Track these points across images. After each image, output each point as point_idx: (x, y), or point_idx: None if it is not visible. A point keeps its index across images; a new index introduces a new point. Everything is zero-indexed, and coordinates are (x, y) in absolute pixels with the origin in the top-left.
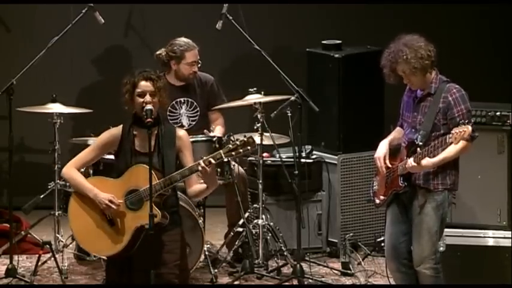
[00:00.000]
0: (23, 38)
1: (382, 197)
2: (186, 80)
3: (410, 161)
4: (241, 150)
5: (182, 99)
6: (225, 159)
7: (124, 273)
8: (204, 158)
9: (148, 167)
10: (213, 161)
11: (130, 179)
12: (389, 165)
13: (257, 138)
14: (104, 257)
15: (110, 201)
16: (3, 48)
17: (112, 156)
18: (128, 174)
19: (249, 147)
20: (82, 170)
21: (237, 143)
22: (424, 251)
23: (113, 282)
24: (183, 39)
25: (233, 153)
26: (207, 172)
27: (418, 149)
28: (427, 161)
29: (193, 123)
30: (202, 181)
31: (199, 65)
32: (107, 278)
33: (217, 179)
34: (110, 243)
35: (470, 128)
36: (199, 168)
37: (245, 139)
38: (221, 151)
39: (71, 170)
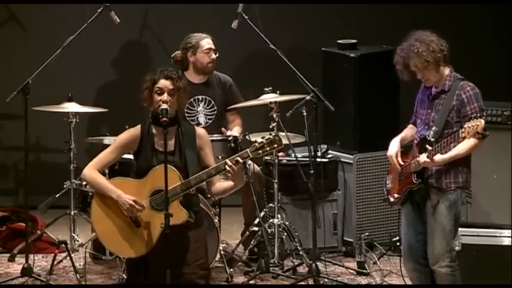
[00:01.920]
0: (38, 37)
1: (396, 195)
2: (205, 71)
3: (423, 157)
4: (267, 149)
5: (200, 97)
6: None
7: (147, 273)
8: (231, 157)
9: (172, 167)
10: (240, 160)
11: (155, 180)
12: (402, 163)
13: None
14: (131, 257)
15: (134, 202)
16: (18, 47)
17: (128, 156)
18: (152, 174)
19: (275, 145)
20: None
21: (264, 141)
22: (439, 250)
23: (135, 282)
24: (194, 33)
25: (260, 151)
26: (234, 171)
27: (429, 146)
28: (439, 157)
29: (210, 121)
30: (224, 179)
31: (216, 55)
32: (128, 277)
33: (244, 177)
34: (137, 244)
35: (483, 122)
36: (226, 167)
37: (271, 137)
38: (248, 150)
39: (92, 172)
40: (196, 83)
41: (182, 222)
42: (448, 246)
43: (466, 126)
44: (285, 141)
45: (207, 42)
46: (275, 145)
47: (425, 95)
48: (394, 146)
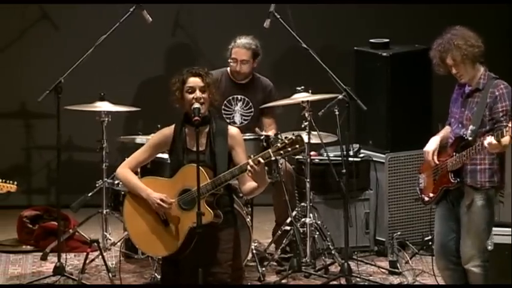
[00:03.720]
0: (71, 36)
1: (431, 195)
2: (234, 77)
3: (490, 139)
4: (289, 149)
5: (239, 97)
6: (273, 158)
7: (180, 273)
8: (253, 157)
9: (199, 166)
10: (261, 160)
11: (183, 179)
12: (437, 162)
13: (305, 137)
14: (159, 257)
15: (162, 200)
16: (51, 47)
17: (161, 155)
18: (180, 173)
19: (297, 146)
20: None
21: (286, 141)
22: (472, 249)
23: (169, 282)
24: (241, 36)
25: (282, 152)
26: (256, 171)
27: (497, 131)
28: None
29: (245, 122)
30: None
31: (246, 66)
32: (162, 277)
33: (267, 178)
34: (165, 244)
35: None
36: (248, 167)
37: (293, 137)
38: (270, 150)
39: (125, 171)
40: (237, 82)
41: (207, 222)
42: (481, 246)
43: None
44: (317, 141)
45: (234, 52)
46: (297, 145)
47: (459, 93)
48: (433, 143)
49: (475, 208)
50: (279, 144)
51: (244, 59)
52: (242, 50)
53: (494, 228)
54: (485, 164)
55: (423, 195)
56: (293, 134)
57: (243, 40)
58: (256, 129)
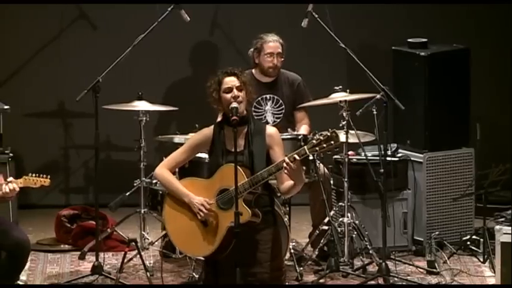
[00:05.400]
0: (108, 36)
1: None
2: (267, 74)
3: None
4: (324, 145)
5: (268, 96)
6: (310, 156)
7: (217, 273)
8: (289, 155)
9: (237, 166)
10: (297, 157)
11: (221, 179)
12: None
13: (342, 136)
14: (197, 256)
15: (202, 205)
16: (89, 46)
17: (199, 155)
18: (219, 173)
19: (332, 142)
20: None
21: (321, 138)
22: None
23: (210, 282)
24: (267, 34)
25: (317, 148)
26: (292, 169)
27: None
28: None
29: (278, 120)
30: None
31: (281, 59)
32: (204, 277)
33: (304, 176)
34: (203, 243)
35: None
36: (284, 164)
37: (328, 134)
38: (305, 147)
39: (164, 171)
40: (264, 82)
41: (245, 221)
42: None
43: None
44: (355, 140)
45: (269, 47)
46: (332, 142)
47: None
48: None
49: None
50: (314, 141)
51: (280, 51)
52: (276, 43)
53: None
54: None
55: None
56: (328, 130)
57: (273, 36)
58: (289, 129)
